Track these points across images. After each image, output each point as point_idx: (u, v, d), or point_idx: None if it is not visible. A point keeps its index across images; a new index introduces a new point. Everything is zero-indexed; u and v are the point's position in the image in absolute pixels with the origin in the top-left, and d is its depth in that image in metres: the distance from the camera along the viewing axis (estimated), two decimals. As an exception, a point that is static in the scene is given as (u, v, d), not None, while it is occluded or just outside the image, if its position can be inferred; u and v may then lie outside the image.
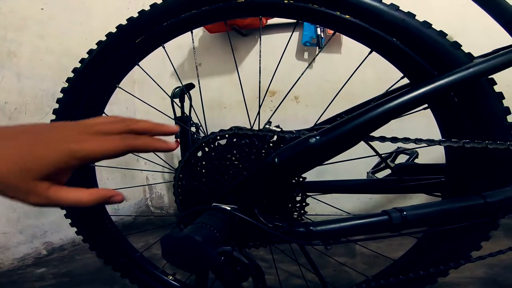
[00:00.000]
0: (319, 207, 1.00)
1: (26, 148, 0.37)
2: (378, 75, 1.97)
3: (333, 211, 1.06)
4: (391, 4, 0.63)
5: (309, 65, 2.17)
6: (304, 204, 0.70)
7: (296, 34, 2.20)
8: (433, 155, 1.54)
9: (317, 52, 2.16)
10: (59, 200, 0.39)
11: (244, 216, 0.61)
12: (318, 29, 2.01)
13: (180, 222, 0.65)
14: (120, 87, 0.87)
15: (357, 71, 0.75)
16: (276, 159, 0.60)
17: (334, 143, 0.58)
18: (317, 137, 0.58)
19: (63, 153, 0.38)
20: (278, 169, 0.60)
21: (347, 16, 0.65)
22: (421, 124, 1.62)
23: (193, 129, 2.02)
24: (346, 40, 2.12)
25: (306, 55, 2.22)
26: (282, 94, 2.17)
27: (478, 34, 1.61)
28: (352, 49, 2.09)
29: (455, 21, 1.87)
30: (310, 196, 0.73)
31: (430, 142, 0.58)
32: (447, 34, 0.61)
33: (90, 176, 0.92)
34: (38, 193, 0.38)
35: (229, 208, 0.63)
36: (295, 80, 0.87)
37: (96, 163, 0.91)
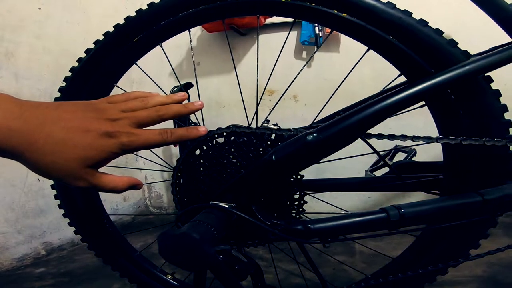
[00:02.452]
0: (318, 205, 1.00)
1: (83, 136, 0.41)
2: (376, 73, 1.97)
3: (332, 209, 1.06)
4: (388, 2, 0.63)
5: (307, 63, 2.18)
6: (302, 202, 0.70)
7: (294, 33, 2.20)
8: (431, 153, 1.54)
9: (315, 51, 2.16)
10: (100, 186, 0.44)
11: (241, 214, 0.61)
12: (317, 28, 2.01)
13: (178, 220, 0.65)
14: (118, 86, 0.87)
15: (355, 70, 0.75)
16: (273, 157, 0.60)
17: (331, 140, 0.59)
18: (314, 135, 0.58)
19: (116, 146, 0.43)
20: (276, 167, 0.60)
21: (344, 14, 0.65)
22: (419, 122, 1.62)
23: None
24: (344, 39, 2.13)
25: (304, 54, 2.22)
26: (281, 93, 2.17)
27: (476, 32, 1.61)
28: (350, 47, 2.09)
29: (452, 19, 1.88)
30: (308, 194, 0.73)
31: (428, 140, 0.58)
32: (443, 32, 0.61)
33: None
34: (85, 179, 0.42)
35: (227, 206, 0.63)
36: (293, 79, 0.87)
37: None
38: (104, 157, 0.43)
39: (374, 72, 1.98)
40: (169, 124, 2.03)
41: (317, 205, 0.98)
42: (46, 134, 0.39)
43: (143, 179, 2.61)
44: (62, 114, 0.41)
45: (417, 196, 1.84)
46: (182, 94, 0.54)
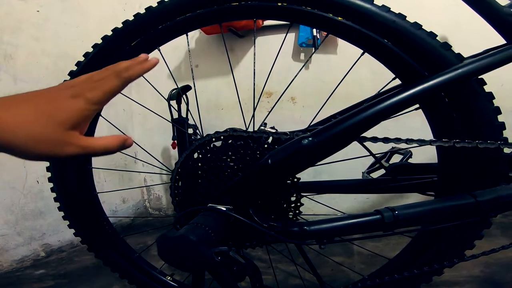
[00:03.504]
0: (316, 207, 1.01)
1: (52, 104, 0.42)
2: (374, 75, 1.98)
3: (330, 211, 1.07)
4: (382, 5, 0.64)
5: (304, 65, 2.18)
6: (299, 204, 0.70)
7: (292, 35, 2.21)
8: (428, 154, 1.55)
9: (312, 53, 2.17)
10: (92, 147, 0.45)
11: (238, 216, 0.62)
12: (314, 30, 2.02)
13: (176, 222, 0.66)
14: (116, 90, 0.87)
15: (352, 72, 0.76)
16: (269, 160, 0.60)
17: (326, 144, 0.59)
18: (310, 139, 0.59)
19: (83, 102, 0.44)
20: (272, 170, 0.61)
21: (339, 18, 0.66)
22: (417, 123, 1.63)
23: (190, 130, 2.03)
24: (342, 41, 2.12)
25: (302, 56, 2.23)
26: (279, 95, 2.18)
27: (472, 34, 1.62)
28: (348, 49, 2.07)
29: (449, 21, 1.89)
30: (305, 196, 0.74)
31: (421, 142, 0.59)
32: (437, 35, 0.62)
33: (87, 178, 0.93)
34: (72, 142, 0.43)
35: (224, 209, 0.64)
36: (291, 81, 0.88)
37: (93, 166, 0.93)
38: (79, 115, 0.43)
39: (371, 74, 1.99)
40: (169, 123, 2.02)
41: (315, 206, 0.99)
42: (14, 114, 0.40)
43: (142, 181, 2.62)
44: (23, 96, 0.43)
45: (415, 198, 1.85)
46: (152, 60, 0.53)
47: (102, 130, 0.78)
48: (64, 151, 0.43)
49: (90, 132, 0.87)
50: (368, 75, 2.00)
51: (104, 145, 0.47)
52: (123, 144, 0.49)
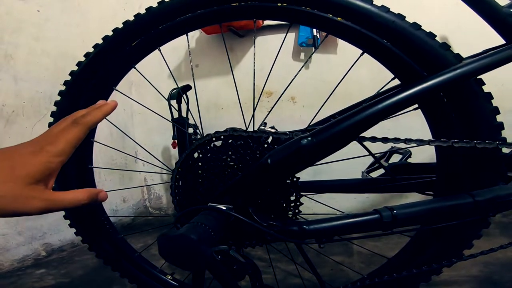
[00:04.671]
0: (316, 206, 1.01)
1: (11, 159, 0.42)
2: (373, 74, 1.98)
3: (330, 211, 1.07)
4: (382, 6, 0.64)
5: (304, 65, 2.19)
6: (298, 203, 0.71)
7: (292, 35, 2.21)
8: (427, 154, 1.55)
9: (312, 53, 2.17)
10: (59, 201, 0.44)
11: (238, 216, 0.62)
12: (314, 30, 2.02)
13: (177, 221, 0.66)
14: (117, 90, 0.88)
15: (352, 71, 0.76)
16: (269, 160, 0.61)
17: (325, 144, 0.60)
18: (309, 139, 0.59)
19: (44, 155, 0.43)
20: (271, 170, 0.62)
21: (339, 19, 0.67)
22: (416, 123, 1.63)
23: (190, 130, 2.04)
24: (341, 41, 2.12)
25: (302, 55, 2.24)
26: (279, 94, 2.18)
27: (471, 34, 1.62)
28: (347, 49, 2.08)
29: (448, 21, 1.89)
30: (304, 195, 0.74)
31: (420, 142, 0.59)
32: (436, 35, 0.63)
33: (88, 178, 0.93)
34: (36, 197, 0.42)
35: (224, 208, 0.64)
36: (291, 81, 0.88)
37: (94, 166, 0.93)
38: (42, 169, 0.42)
39: (371, 74, 1.99)
40: (169, 123, 2.02)
41: (315, 206, 0.99)
42: None
43: (142, 181, 2.62)
44: None
45: (414, 197, 1.85)
46: (111, 103, 0.53)
47: (103, 130, 0.79)
48: (28, 206, 0.41)
49: (91, 132, 0.88)
50: (367, 75, 2.00)
51: (72, 200, 0.46)
52: (95, 199, 0.49)
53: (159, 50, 0.83)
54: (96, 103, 0.52)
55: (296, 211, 0.71)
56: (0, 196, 0.39)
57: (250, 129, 0.71)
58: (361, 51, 0.70)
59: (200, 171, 0.72)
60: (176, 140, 2.02)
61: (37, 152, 0.43)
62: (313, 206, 0.96)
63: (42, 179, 0.43)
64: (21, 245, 1.64)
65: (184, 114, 2.04)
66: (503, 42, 0.68)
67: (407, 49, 0.63)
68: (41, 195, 0.42)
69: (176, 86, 1.98)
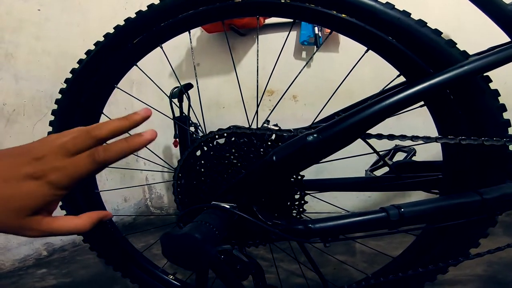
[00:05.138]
0: (319, 205, 1.01)
1: (8, 186, 0.37)
2: (376, 73, 1.97)
3: (333, 209, 1.07)
4: (387, 2, 0.64)
5: (306, 63, 2.18)
6: (303, 202, 0.70)
7: (294, 34, 2.20)
8: (431, 153, 1.54)
9: (315, 51, 2.16)
10: (55, 231, 0.40)
11: (242, 214, 0.61)
12: (316, 28, 2.01)
13: (180, 220, 0.65)
14: (118, 88, 0.87)
15: (355, 70, 0.75)
16: (273, 157, 0.60)
17: (331, 141, 0.59)
18: (314, 135, 0.58)
19: (45, 187, 0.38)
20: (276, 167, 0.61)
21: (343, 15, 0.66)
22: (419, 122, 1.63)
23: (192, 129, 2.03)
24: (344, 39, 2.13)
25: (304, 54, 2.23)
26: (281, 93, 2.18)
27: (475, 32, 1.61)
28: (349, 48, 2.09)
29: (451, 19, 1.88)
30: (309, 194, 0.73)
31: (427, 139, 0.59)
32: (442, 32, 0.62)
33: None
34: (32, 228, 0.39)
35: (228, 206, 0.63)
36: (293, 80, 0.87)
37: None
38: (38, 203, 0.38)
39: (374, 72, 1.98)
40: (170, 124, 2.02)
41: (318, 205, 0.98)
42: None
43: (143, 180, 2.62)
44: None
45: (418, 196, 1.84)
46: (144, 112, 0.46)
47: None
48: (25, 235, 0.39)
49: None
50: (370, 74, 1.99)
51: (73, 229, 0.42)
52: (99, 223, 0.45)
53: (161, 48, 0.82)
54: (132, 119, 0.44)
55: (301, 209, 0.70)
56: None
57: (253, 127, 0.71)
58: (364, 49, 0.69)
59: (203, 169, 0.72)
60: (177, 139, 2.02)
61: (37, 177, 0.37)
62: (315, 205, 0.95)
63: (40, 210, 0.39)
64: (22, 244, 1.63)
65: (185, 112, 2.03)
66: (507, 40, 0.67)
67: (412, 46, 0.63)
68: (38, 227, 0.39)
69: (178, 85, 1.97)
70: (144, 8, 0.77)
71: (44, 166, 0.38)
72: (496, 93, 0.61)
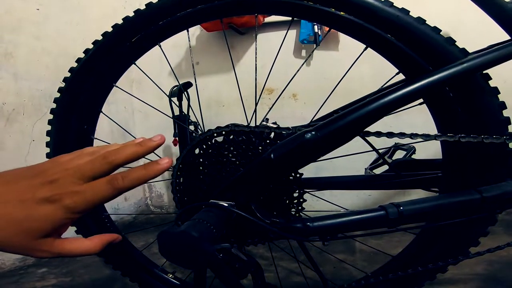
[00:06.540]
0: (319, 204, 1.01)
1: (23, 207, 0.37)
2: (376, 71, 1.97)
3: (332, 208, 1.06)
4: (385, 0, 0.63)
5: (305, 61, 2.17)
6: (301, 200, 0.70)
7: (294, 32, 2.20)
8: (430, 151, 1.54)
9: (314, 50, 2.16)
10: (66, 253, 0.41)
11: (241, 212, 0.61)
12: (315, 27, 2.01)
13: (178, 219, 0.65)
14: (117, 86, 0.87)
15: (354, 68, 0.75)
16: (272, 155, 0.60)
17: (329, 138, 0.59)
18: (313, 133, 0.58)
19: (60, 211, 0.38)
20: (274, 165, 0.60)
21: (342, 13, 0.66)
22: (418, 120, 1.62)
23: (192, 127, 2.03)
24: (343, 37, 2.12)
25: (303, 52, 2.22)
26: (280, 92, 2.18)
27: (474, 31, 1.61)
28: (349, 46, 2.08)
29: (450, 17, 1.88)
30: (307, 192, 0.73)
31: (426, 137, 0.58)
32: (441, 30, 0.61)
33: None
34: (43, 250, 0.39)
35: (226, 205, 0.63)
36: (292, 77, 0.87)
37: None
38: (52, 226, 0.38)
39: (373, 70, 1.98)
40: (170, 121, 2.01)
41: (317, 203, 0.98)
42: None
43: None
44: None
45: (418, 194, 1.84)
46: (158, 140, 0.46)
47: (103, 127, 0.78)
48: (36, 256, 0.39)
49: (91, 130, 0.87)
50: (369, 72, 1.99)
51: (83, 250, 0.42)
52: (110, 245, 0.45)
53: (160, 46, 0.82)
54: (147, 144, 0.44)
55: (300, 208, 0.70)
56: (7, 246, 0.37)
57: (252, 124, 0.70)
58: (363, 48, 0.69)
59: (201, 167, 0.72)
60: (177, 138, 2.01)
61: (52, 201, 0.38)
62: (314, 203, 0.95)
63: (53, 233, 0.39)
64: (22, 244, 1.63)
65: (185, 111, 2.03)
66: (507, 38, 0.67)
67: (412, 44, 0.63)
68: (50, 248, 0.39)
69: (177, 83, 1.97)
70: (143, 7, 0.77)
71: (61, 190, 0.38)
72: (495, 90, 0.61)
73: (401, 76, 0.70)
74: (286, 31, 1.54)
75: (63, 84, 0.84)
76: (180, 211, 0.67)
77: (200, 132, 1.99)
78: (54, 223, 0.38)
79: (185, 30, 0.80)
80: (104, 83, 0.85)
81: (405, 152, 1.11)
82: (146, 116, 2.54)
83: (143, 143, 0.44)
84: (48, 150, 0.84)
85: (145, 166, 0.43)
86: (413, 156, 1.08)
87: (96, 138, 0.91)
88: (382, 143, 0.73)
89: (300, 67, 0.96)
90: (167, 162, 0.44)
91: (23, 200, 0.37)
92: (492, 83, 0.61)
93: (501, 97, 0.61)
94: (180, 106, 2.01)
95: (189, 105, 2.01)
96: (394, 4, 0.63)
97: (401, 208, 0.58)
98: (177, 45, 2.41)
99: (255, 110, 0.79)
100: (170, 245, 0.53)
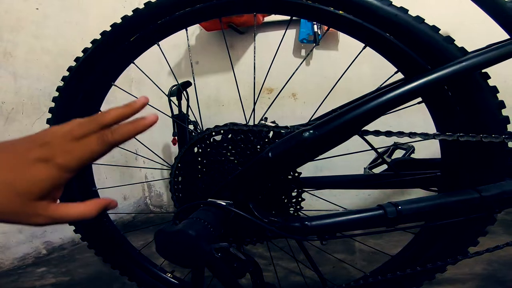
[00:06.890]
0: (317, 203, 1.00)
1: (15, 170, 0.37)
2: (375, 70, 1.97)
3: (331, 207, 1.06)
4: (384, -1, 0.63)
5: (303, 60, 2.17)
6: (300, 199, 0.70)
7: (293, 32, 2.20)
8: (429, 150, 1.54)
9: (314, 50, 2.16)
10: (62, 217, 0.41)
11: (239, 211, 0.61)
12: (315, 26, 2.01)
13: (176, 217, 0.65)
14: (116, 85, 0.87)
15: (354, 67, 0.75)
16: (270, 154, 0.60)
17: (327, 137, 0.59)
18: (311, 131, 0.58)
19: (53, 170, 0.38)
20: (272, 164, 0.60)
21: (340, 12, 0.65)
22: (419, 120, 1.62)
23: (191, 127, 2.03)
24: (343, 37, 2.12)
25: (303, 52, 2.22)
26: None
27: (473, 30, 1.61)
28: (349, 45, 2.07)
29: (449, 16, 1.88)
30: (306, 191, 0.73)
31: (425, 136, 0.58)
32: (440, 29, 0.61)
33: (87, 174, 0.92)
34: (39, 213, 0.39)
35: (224, 204, 0.63)
36: (293, 78, 0.87)
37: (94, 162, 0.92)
38: (46, 186, 0.38)
39: (372, 69, 1.98)
40: (169, 120, 2.01)
41: (316, 202, 0.98)
42: None
43: (143, 177, 2.62)
44: None
45: (417, 193, 1.84)
46: (142, 100, 0.46)
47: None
48: (30, 222, 0.39)
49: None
50: (368, 71, 1.99)
51: (78, 214, 0.42)
52: (105, 209, 0.45)
53: (158, 45, 0.81)
54: (132, 106, 0.44)
55: (298, 207, 0.70)
56: (3, 212, 0.37)
57: (251, 123, 0.70)
58: (362, 47, 0.69)
59: (199, 166, 0.71)
60: (176, 137, 2.01)
61: (45, 161, 0.38)
62: (314, 203, 0.95)
63: (47, 194, 0.39)
64: (22, 243, 1.63)
65: (184, 110, 2.03)
66: (506, 37, 0.67)
67: (410, 43, 0.62)
68: (45, 212, 0.39)
69: (176, 83, 1.97)
70: (142, 6, 0.77)
71: (52, 150, 0.39)
72: (494, 89, 0.61)
73: (400, 75, 0.70)
74: (285, 30, 1.54)
75: (62, 83, 0.84)
76: (178, 209, 0.67)
77: (199, 131, 1.98)
78: (47, 183, 0.38)
79: (184, 29, 0.79)
80: (103, 82, 0.85)
81: (404, 151, 1.11)
82: (145, 115, 2.53)
83: (129, 104, 0.45)
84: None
85: (133, 122, 0.43)
86: (412, 156, 1.08)
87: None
88: (381, 142, 0.72)
89: (299, 66, 0.96)
90: (153, 116, 0.44)
91: (16, 164, 0.38)
92: (491, 82, 0.61)
93: (500, 96, 0.61)
94: (179, 106, 2.01)
95: (188, 105, 2.01)
96: (392, 3, 0.63)
97: (400, 207, 0.58)
98: (177, 44, 2.41)
99: (253, 109, 0.79)
100: (167, 243, 0.53)
